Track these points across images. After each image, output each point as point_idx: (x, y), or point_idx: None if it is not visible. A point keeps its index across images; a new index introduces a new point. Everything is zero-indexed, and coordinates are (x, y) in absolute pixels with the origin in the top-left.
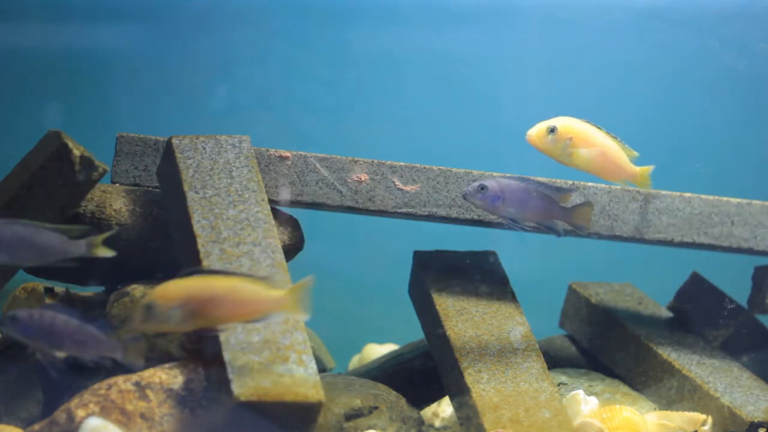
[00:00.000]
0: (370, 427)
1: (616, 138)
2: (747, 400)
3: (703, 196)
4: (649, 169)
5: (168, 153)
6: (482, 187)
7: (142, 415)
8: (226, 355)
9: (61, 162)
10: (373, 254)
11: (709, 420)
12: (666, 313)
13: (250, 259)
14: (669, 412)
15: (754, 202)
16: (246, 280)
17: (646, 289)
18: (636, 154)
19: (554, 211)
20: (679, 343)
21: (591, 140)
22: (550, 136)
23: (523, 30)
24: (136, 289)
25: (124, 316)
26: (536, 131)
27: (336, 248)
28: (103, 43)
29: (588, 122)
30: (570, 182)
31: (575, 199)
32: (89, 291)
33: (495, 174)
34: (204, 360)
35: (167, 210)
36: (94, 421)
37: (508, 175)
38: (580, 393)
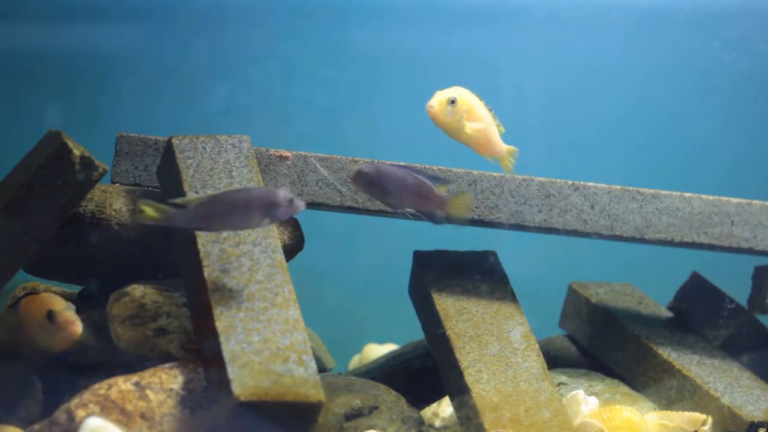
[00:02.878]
0: (370, 427)
1: (491, 111)
2: (747, 400)
3: (703, 196)
4: (514, 149)
5: (168, 153)
6: (359, 172)
7: (142, 415)
8: (226, 355)
9: (61, 162)
10: (373, 254)
11: (709, 420)
12: (666, 313)
13: (250, 259)
14: (669, 412)
15: (754, 202)
16: None
17: (646, 289)
18: (503, 130)
19: (431, 199)
20: (679, 343)
21: (479, 114)
22: (449, 108)
23: (523, 30)
24: (136, 289)
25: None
26: (438, 103)
27: (336, 248)
28: (103, 43)
29: (474, 93)
30: (458, 169)
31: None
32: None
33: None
34: (204, 360)
35: None
36: (94, 421)
37: (402, 163)
38: (580, 393)
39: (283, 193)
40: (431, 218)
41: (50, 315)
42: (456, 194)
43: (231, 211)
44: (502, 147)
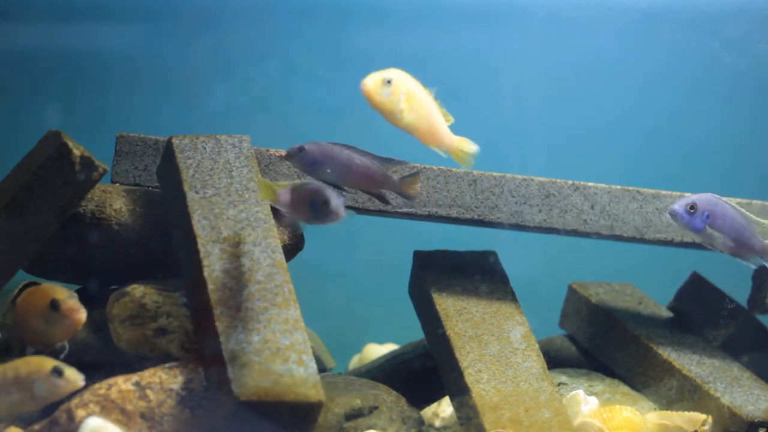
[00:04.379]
0: (370, 427)
1: (437, 100)
2: (747, 400)
3: None
4: (466, 141)
5: (168, 153)
6: (300, 149)
7: (142, 415)
8: (226, 355)
9: (61, 162)
10: (373, 254)
11: (709, 420)
12: (666, 313)
13: (250, 259)
14: (669, 412)
15: (754, 202)
16: None
17: (646, 289)
18: (452, 119)
19: (380, 180)
20: (679, 343)
21: (420, 100)
22: (384, 89)
23: (523, 30)
24: (136, 289)
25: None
26: (372, 82)
27: (336, 248)
28: (103, 43)
29: (416, 80)
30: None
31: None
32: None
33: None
34: (204, 360)
35: (167, 210)
36: (94, 421)
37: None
38: (580, 393)
39: (329, 194)
40: (381, 199)
41: (54, 304)
42: (405, 176)
43: (304, 202)
44: (452, 138)
